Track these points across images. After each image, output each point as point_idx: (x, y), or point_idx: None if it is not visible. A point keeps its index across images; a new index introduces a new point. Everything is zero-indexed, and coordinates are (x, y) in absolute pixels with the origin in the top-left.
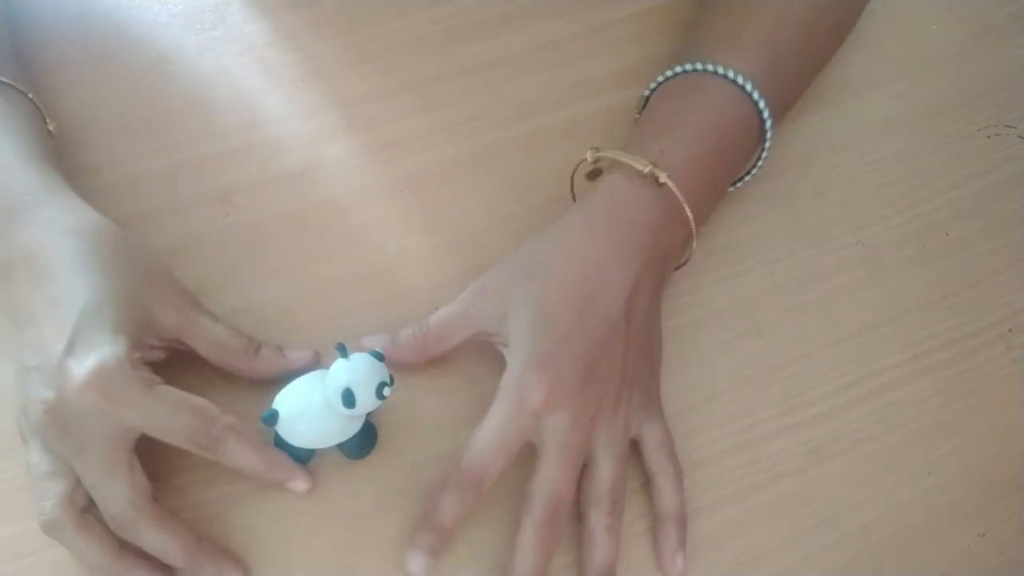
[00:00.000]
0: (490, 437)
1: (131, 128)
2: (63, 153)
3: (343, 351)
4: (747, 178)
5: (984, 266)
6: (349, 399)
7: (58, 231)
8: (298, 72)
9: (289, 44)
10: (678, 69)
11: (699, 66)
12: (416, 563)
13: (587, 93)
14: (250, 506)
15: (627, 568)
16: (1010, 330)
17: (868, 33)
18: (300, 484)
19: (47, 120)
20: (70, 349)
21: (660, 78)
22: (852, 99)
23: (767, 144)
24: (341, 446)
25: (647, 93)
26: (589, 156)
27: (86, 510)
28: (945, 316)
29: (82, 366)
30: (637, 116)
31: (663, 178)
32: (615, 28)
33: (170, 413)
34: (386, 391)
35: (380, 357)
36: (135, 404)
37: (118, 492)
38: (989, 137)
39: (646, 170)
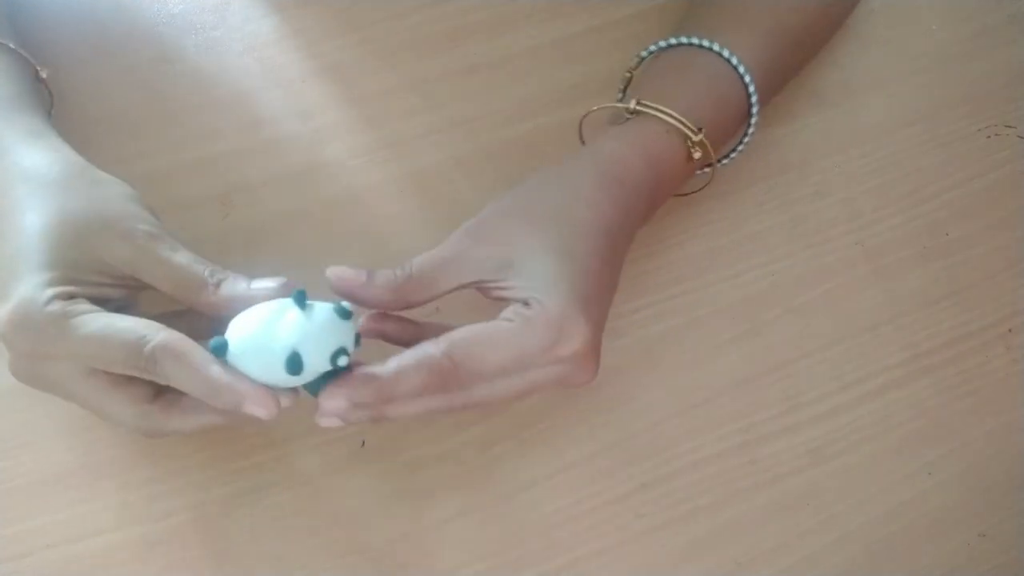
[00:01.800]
0: (500, 351)
1: (131, 128)
2: None
3: (301, 299)
4: (726, 161)
5: (984, 266)
6: (294, 364)
7: (16, 177)
8: (298, 72)
9: (289, 44)
10: (673, 41)
11: (695, 40)
12: (332, 403)
13: (587, 93)
14: (250, 506)
15: (627, 568)
16: (1010, 330)
17: (868, 33)
18: (257, 408)
19: (39, 68)
20: (1, 292)
21: (662, 43)
22: (852, 99)
23: (752, 127)
24: (306, 385)
25: (644, 54)
26: (633, 103)
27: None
28: (945, 316)
29: (4, 309)
30: (627, 75)
31: (697, 151)
32: (615, 28)
33: (95, 344)
34: (342, 360)
35: (346, 314)
36: (54, 342)
37: (119, 416)
38: (989, 137)
39: (697, 138)
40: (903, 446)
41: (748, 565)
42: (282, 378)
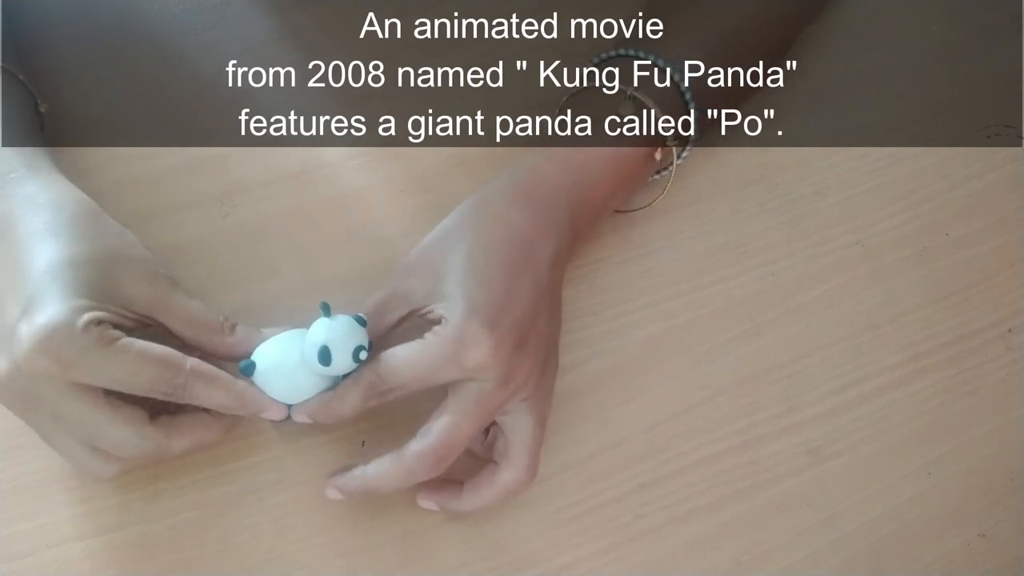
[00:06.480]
0: (413, 367)
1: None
2: (62, 154)
3: (326, 310)
4: (672, 168)
5: (984, 266)
6: (325, 357)
7: (33, 204)
8: (298, 72)
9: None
10: (612, 53)
11: (631, 52)
12: (300, 416)
13: None
14: (250, 506)
15: (627, 568)
16: (1010, 330)
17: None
18: (275, 412)
19: (39, 102)
20: (23, 313)
21: (595, 60)
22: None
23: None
24: None
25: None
26: (631, 89)
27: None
28: (945, 316)
29: (31, 329)
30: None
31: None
32: (614, 28)
33: (130, 369)
34: (362, 355)
35: (362, 322)
36: (88, 365)
37: (118, 438)
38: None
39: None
40: (903, 446)
41: (748, 565)
42: (304, 386)
